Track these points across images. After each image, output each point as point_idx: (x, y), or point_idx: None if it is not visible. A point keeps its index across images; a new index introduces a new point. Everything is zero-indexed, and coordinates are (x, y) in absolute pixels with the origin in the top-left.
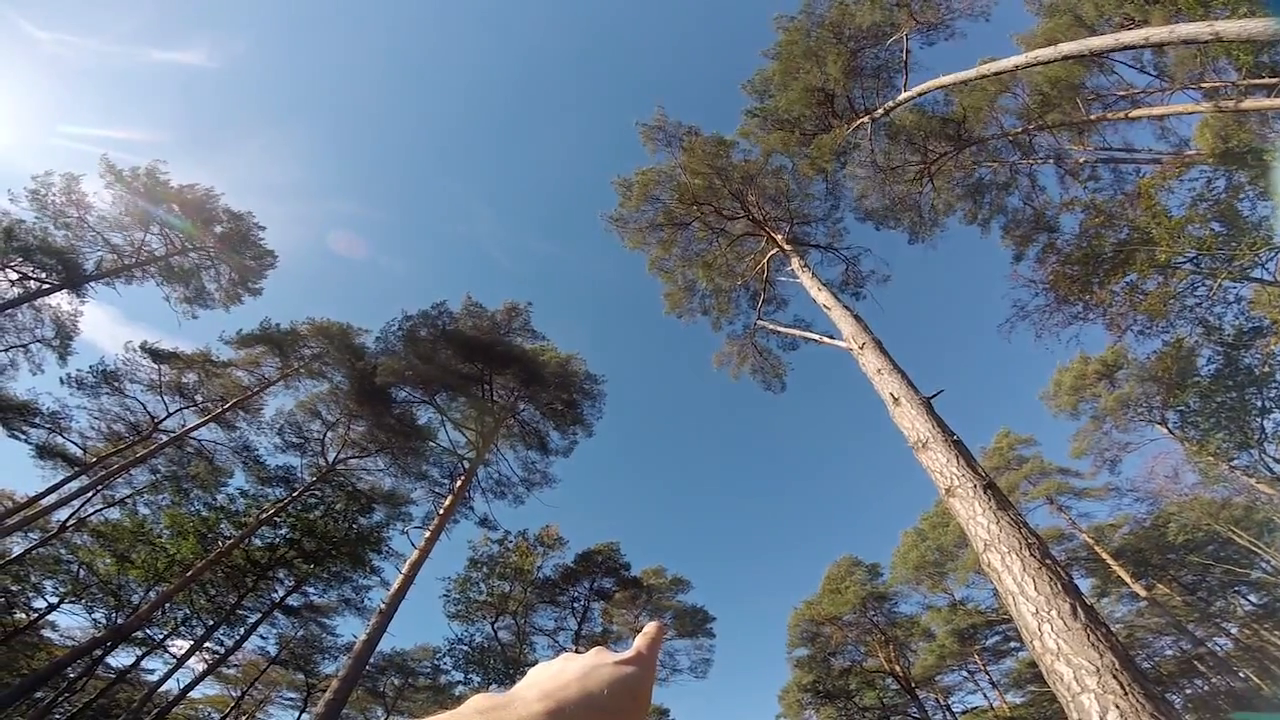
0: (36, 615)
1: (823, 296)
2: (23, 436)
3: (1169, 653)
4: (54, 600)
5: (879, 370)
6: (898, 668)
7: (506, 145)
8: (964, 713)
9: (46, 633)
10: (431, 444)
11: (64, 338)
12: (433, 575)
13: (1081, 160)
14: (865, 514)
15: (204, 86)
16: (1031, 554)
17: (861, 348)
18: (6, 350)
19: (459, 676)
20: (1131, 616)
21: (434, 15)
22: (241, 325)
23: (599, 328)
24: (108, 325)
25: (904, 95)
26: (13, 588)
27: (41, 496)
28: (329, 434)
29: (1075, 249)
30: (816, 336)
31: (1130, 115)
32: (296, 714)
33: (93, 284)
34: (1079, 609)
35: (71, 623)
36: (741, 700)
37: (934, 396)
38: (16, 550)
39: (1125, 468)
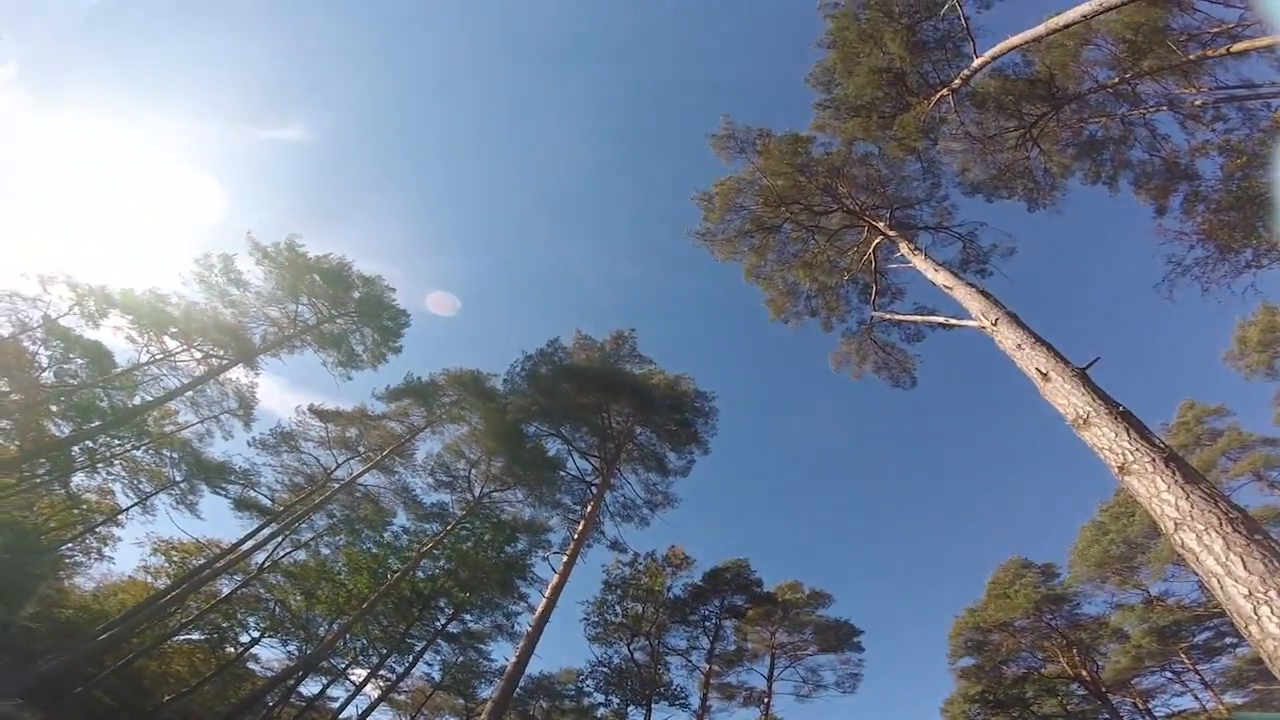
0: (243, 649)
1: (941, 277)
2: (223, 492)
3: None
4: (255, 635)
5: (1019, 345)
6: (1084, 672)
7: (589, 178)
8: (1168, 716)
9: (250, 664)
10: (561, 473)
11: (246, 407)
12: (572, 599)
13: (1199, 103)
14: (1027, 512)
15: (308, 160)
16: (1235, 529)
17: (995, 323)
18: (203, 422)
19: (600, 698)
20: None
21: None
22: (389, 381)
23: (703, 345)
24: (278, 393)
25: (977, 62)
26: (223, 624)
27: (241, 543)
28: (473, 471)
29: (1224, 195)
30: (942, 319)
31: (1232, 50)
32: None
33: (262, 356)
34: None
35: (270, 655)
36: (898, 714)
37: (1089, 366)
38: (225, 590)
39: None
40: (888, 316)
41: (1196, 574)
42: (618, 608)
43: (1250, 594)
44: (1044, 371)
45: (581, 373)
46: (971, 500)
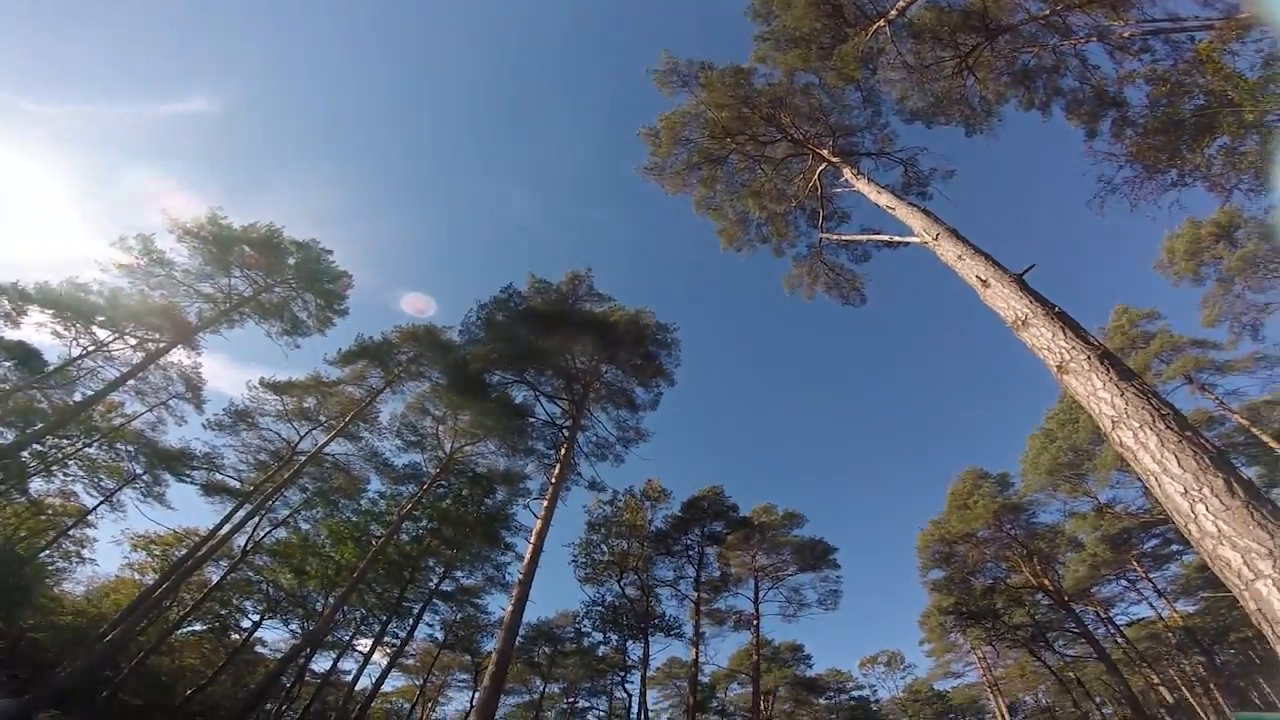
0: (247, 634)
1: (884, 199)
2: (189, 479)
3: None
4: (255, 618)
5: (959, 256)
6: (1046, 582)
7: (519, 125)
8: (1128, 624)
9: (259, 649)
10: (531, 420)
11: (193, 389)
12: (559, 543)
13: (1127, 34)
14: (983, 422)
15: (217, 132)
16: (1168, 426)
17: (936, 238)
18: (152, 410)
19: (599, 637)
20: None
21: (410, 22)
22: (340, 345)
23: (661, 279)
24: (224, 371)
25: None
26: (222, 611)
27: (219, 528)
28: (440, 428)
29: (1151, 120)
30: (887, 238)
31: None
32: (470, 693)
33: (201, 334)
34: (1235, 484)
35: (275, 636)
36: (882, 627)
37: (1025, 272)
38: (214, 578)
39: (1270, 331)
40: (835, 238)
41: (1137, 475)
42: (603, 546)
43: (1186, 491)
44: (984, 279)
45: (540, 316)
46: (928, 412)
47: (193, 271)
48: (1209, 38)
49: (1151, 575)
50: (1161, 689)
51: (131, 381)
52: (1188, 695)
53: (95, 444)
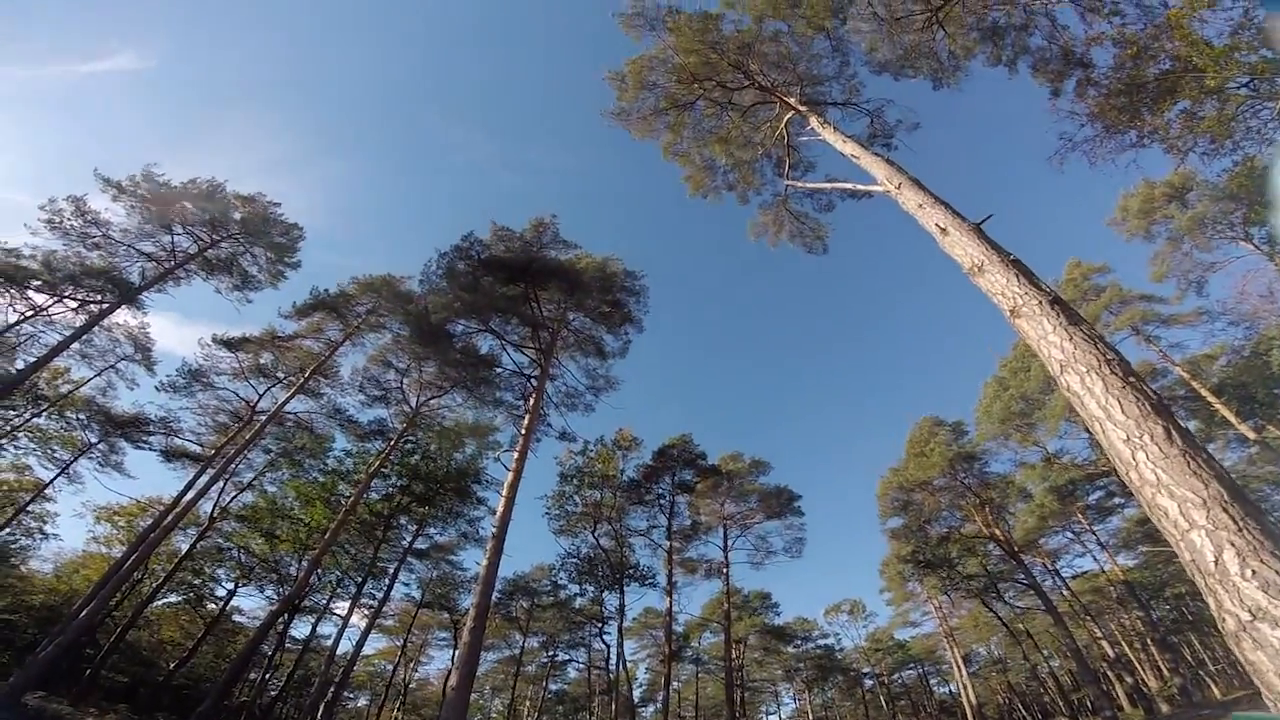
0: (223, 603)
1: (849, 148)
2: (146, 445)
3: None
4: (230, 586)
5: (920, 205)
6: (997, 532)
7: (480, 66)
8: (1074, 577)
9: (236, 618)
10: (498, 370)
11: (143, 350)
12: (531, 495)
13: None
14: (940, 370)
15: (149, 89)
16: (1113, 371)
17: (898, 187)
18: (100, 374)
19: (576, 589)
20: (1243, 465)
21: None
22: (295, 298)
23: (627, 225)
24: (174, 329)
25: None
26: (195, 581)
27: (183, 495)
28: (404, 381)
29: (1114, 81)
30: (850, 186)
31: None
32: (450, 650)
33: (145, 294)
34: (1174, 432)
35: (251, 604)
36: (846, 576)
37: (983, 222)
38: (184, 547)
39: (1213, 289)
40: (800, 185)
41: (1083, 420)
42: (576, 497)
43: (1128, 438)
44: (943, 227)
45: (503, 263)
46: (891, 360)
47: (131, 230)
48: (1181, 3)
49: (1095, 528)
50: (1103, 643)
51: (76, 345)
52: (1127, 650)
53: (44, 413)
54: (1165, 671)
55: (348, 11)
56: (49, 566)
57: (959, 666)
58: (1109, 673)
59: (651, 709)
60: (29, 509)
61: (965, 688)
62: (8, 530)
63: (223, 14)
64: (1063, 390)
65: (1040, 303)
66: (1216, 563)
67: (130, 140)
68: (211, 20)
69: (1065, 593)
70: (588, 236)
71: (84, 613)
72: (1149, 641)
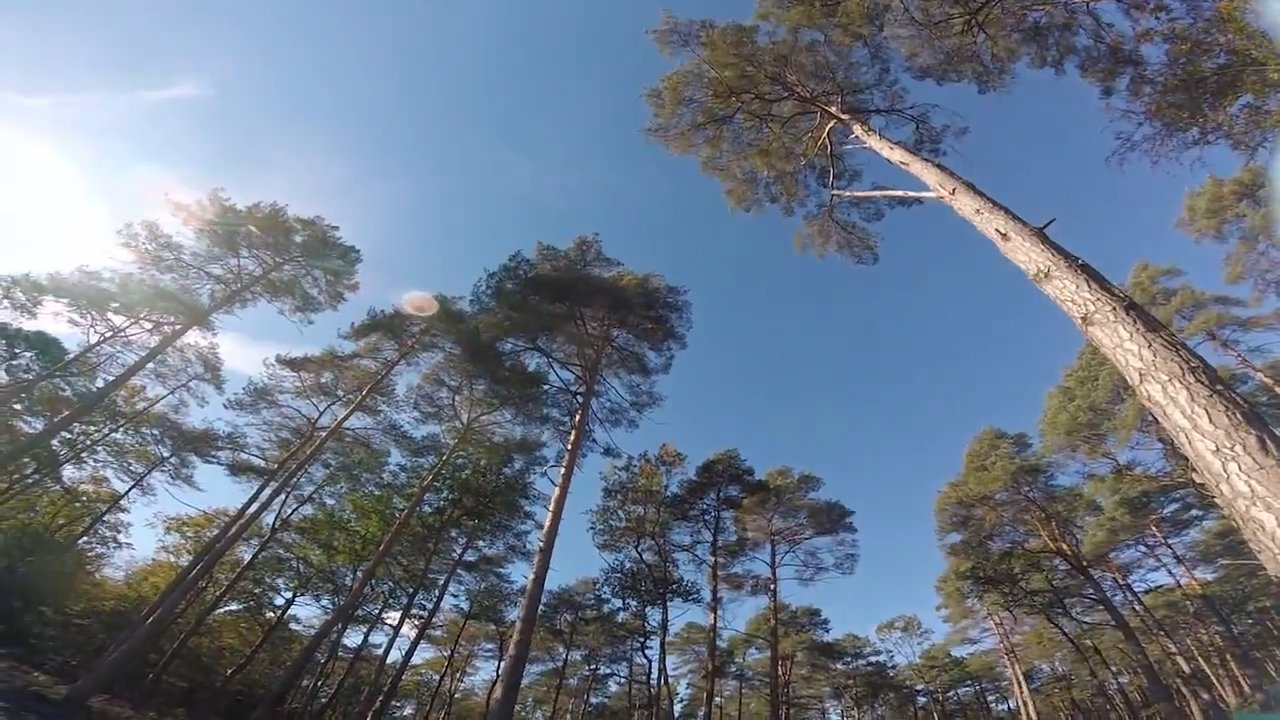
0: (281, 611)
1: (897, 154)
2: (215, 459)
3: None
4: (288, 595)
5: (978, 211)
6: (1064, 546)
7: (520, 90)
8: (1146, 591)
9: (293, 625)
10: (545, 387)
11: (212, 370)
12: (577, 511)
13: None
14: (1000, 380)
15: (210, 114)
16: (1198, 379)
17: (953, 192)
18: (173, 392)
19: (619, 603)
20: None
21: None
22: (352, 319)
23: (668, 241)
24: (240, 350)
25: None
26: (255, 590)
27: (247, 507)
28: (456, 398)
29: (1169, 78)
30: (900, 194)
31: None
32: (496, 662)
33: (214, 315)
34: (1268, 442)
35: (307, 613)
36: (898, 594)
37: (1046, 226)
38: (246, 557)
39: None
40: (847, 195)
41: (1165, 431)
42: (620, 513)
43: (1218, 449)
44: (1003, 232)
45: (549, 282)
46: (945, 370)
47: (201, 254)
48: None
49: (1170, 541)
50: (1178, 658)
51: (150, 365)
52: (1204, 665)
53: (121, 429)
54: (1246, 688)
55: (391, 37)
56: (120, 574)
57: (1019, 683)
58: (1183, 689)
59: None
60: (105, 518)
61: (1026, 704)
62: (85, 538)
63: (278, 43)
64: (1142, 400)
65: (1114, 309)
66: None
67: (194, 165)
68: (268, 48)
69: (1137, 607)
70: (629, 253)
71: (151, 619)
72: (1228, 657)
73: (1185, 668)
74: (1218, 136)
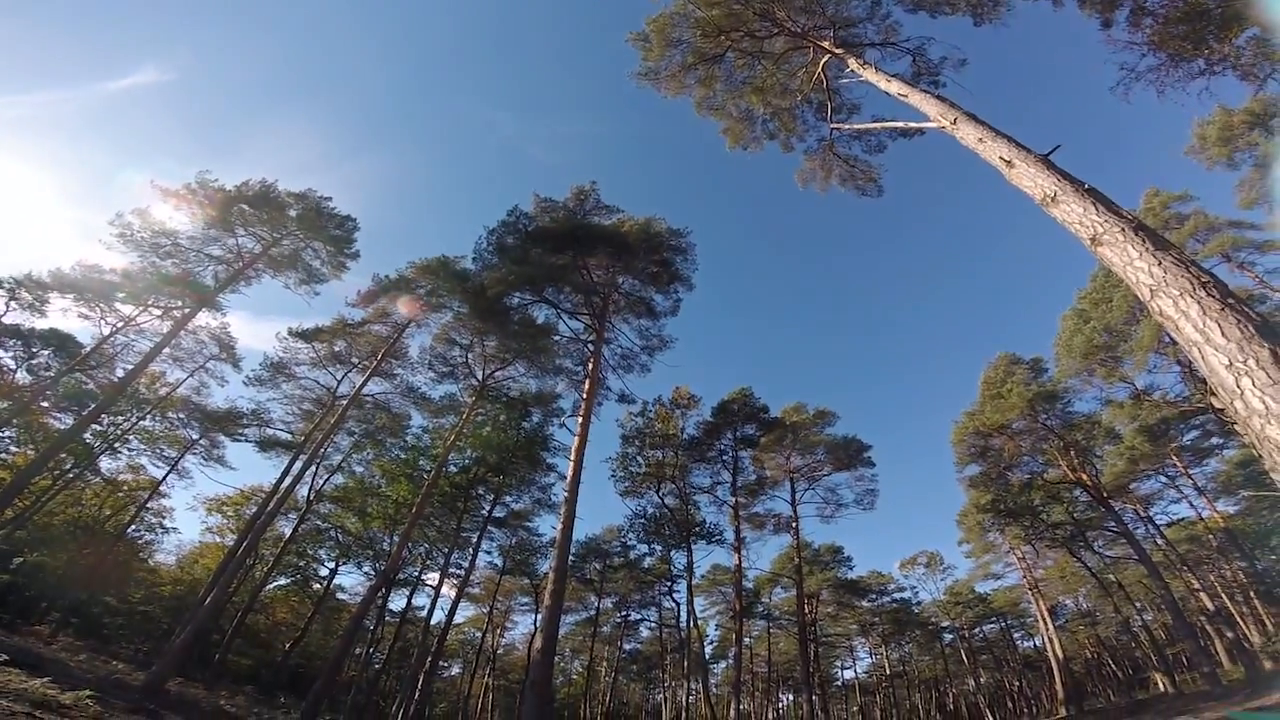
0: (326, 582)
1: (895, 86)
2: (243, 437)
3: None
4: (331, 566)
5: (980, 139)
6: (1084, 476)
7: (499, 44)
8: (1169, 525)
9: (340, 595)
10: (556, 338)
11: (227, 349)
12: (597, 459)
13: None
14: (1012, 306)
15: (176, 100)
16: (1209, 293)
17: (954, 122)
18: (193, 374)
19: (644, 549)
20: None
21: None
22: (358, 287)
23: (667, 185)
24: (249, 326)
25: None
26: (300, 563)
27: (281, 481)
28: (469, 355)
29: (1170, 10)
30: (901, 125)
31: None
32: (533, 614)
33: (221, 295)
34: None
35: (351, 581)
36: (920, 529)
37: (1051, 152)
38: (286, 531)
39: None
40: (847, 128)
41: (1181, 352)
42: (639, 458)
43: (1230, 364)
44: (1008, 159)
45: (550, 234)
46: (955, 297)
47: (197, 237)
48: None
49: (1191, 471)
50: (1202, 595)
51: (166, 350)
52: (1228, 603)
53: (148, 416)
54: (1270, 626)
55: (358, 6)
56: (172, 558)
57: (1045, 620)
58: (1207, 627)
59: (723, 665)
60: (148, 506)
61: (1051, 641)
62: (133, 527)
63: (235, 19)
64: (1155, 316)
65: (1123, 229)
66: None
67: (171, 152)
68: (226, 27)
69: (1159, 541)
70: (628, 200)
71: (208, 600)
72: (1252, 594)
73: (1209, 605)
74: (1224, 67)
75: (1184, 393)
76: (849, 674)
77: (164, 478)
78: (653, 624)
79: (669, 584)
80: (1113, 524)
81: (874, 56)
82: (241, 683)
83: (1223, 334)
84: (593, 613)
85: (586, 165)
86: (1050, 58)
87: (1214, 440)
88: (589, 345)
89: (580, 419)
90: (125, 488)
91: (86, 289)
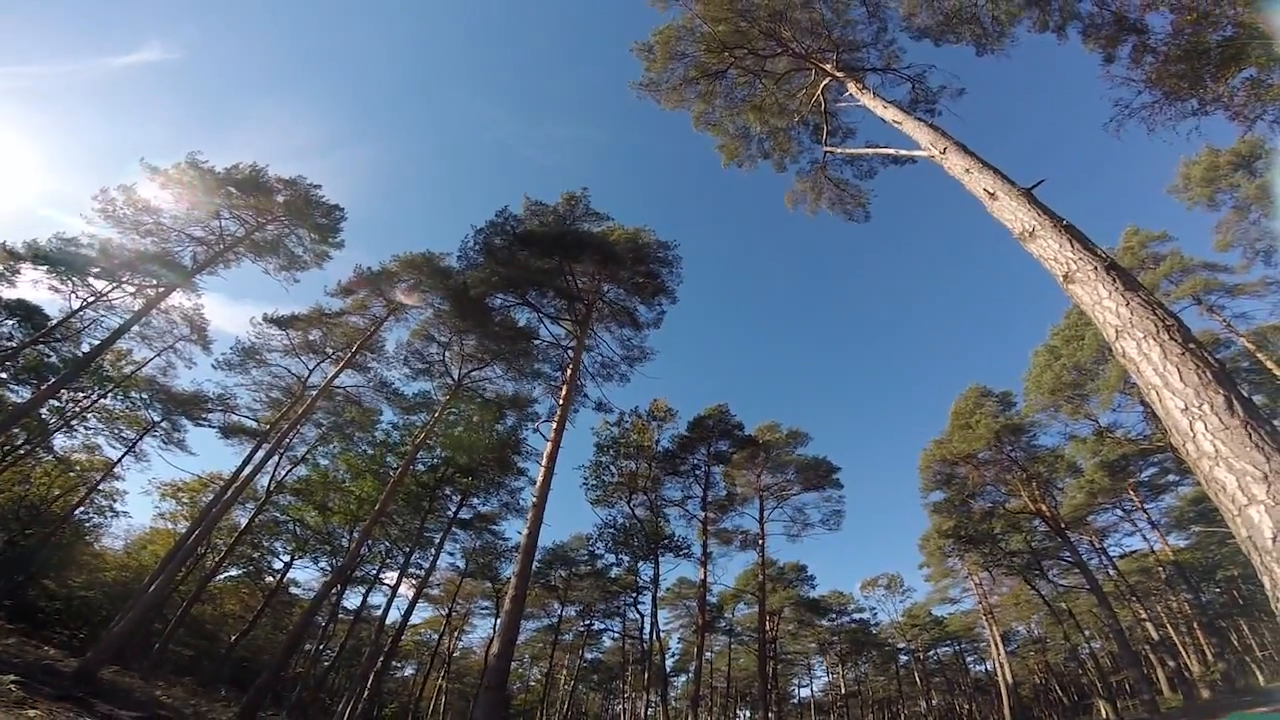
0: (280, 575)
1: (890, 113)
2: (206, 422)
3: None
4: (286, 559)
5: (967, 170)
6: (1044, 507)
7: (504, 45)
8: (1121, 556)
9: (293, 589)
10: (536, 342)
11: (198, 330)
12: (570, 465)
13: None
14: (987, 338)
15: (179, 79)
16: (1171, 337)
17: (944, 152)
18: (160, 354)
19: (612, 558)
20: None
21: None
22: (339, 277)
23: (658, 197)
24: (224, 309)
25: None
26: (254, 555)
27: (241, 469)
28: (447, 354)
29: (1173, 48)
30: (893, 152)
31: None
32: (493, 619)
33: (197, 276)
34: (1235, 402)
35: (306, 575)
36: (882, 551)
37: (1034, 187)
38: (243, 521)
39: None
40: (840, 152)
41: (1139, 389)
42: (612, 468)
43: (1186, 407)
44: (991, 191)
45: (538, 237)
46: (932, 328)
47: (181, 216)
48: None
49: (1147, 506)
50: (1148, 625)
51: (135, 328)
52: (1171, 633)
53: (110, 394)
54: (1210, 656)
55: None
56: (119, 544)
57: (997, 644)
58: (1151, 656)
59: (684, 679)
60: (100, 487)
61: (1002, 666)
62: (81, 509)
63: (245, 2)
64: (1118, 356)
65: (1095, 268)
66: (1275, 540)
67: (167, 131)
68: (233, 9)
69: (1111, 572)
70: (618, 208)
71: (153, 588)
72: (1195, 625)
73: (1154, 634)
74: (1216, 107)
75: (1145, 431)
76: (805, 692)
77: (120, 459)
78: (616, 634)
79: (634, 595)
80: (1068, 554)
81: (874, 82)
82: (182, 674)
83: (1181, 379)
84: (555, 620)
85: (580, 170)
86: (1046, 92)
87: (1170, 477)
88: (569, 351)
89: (555, 424)
90: (78, 467)
91: (60, 261)
